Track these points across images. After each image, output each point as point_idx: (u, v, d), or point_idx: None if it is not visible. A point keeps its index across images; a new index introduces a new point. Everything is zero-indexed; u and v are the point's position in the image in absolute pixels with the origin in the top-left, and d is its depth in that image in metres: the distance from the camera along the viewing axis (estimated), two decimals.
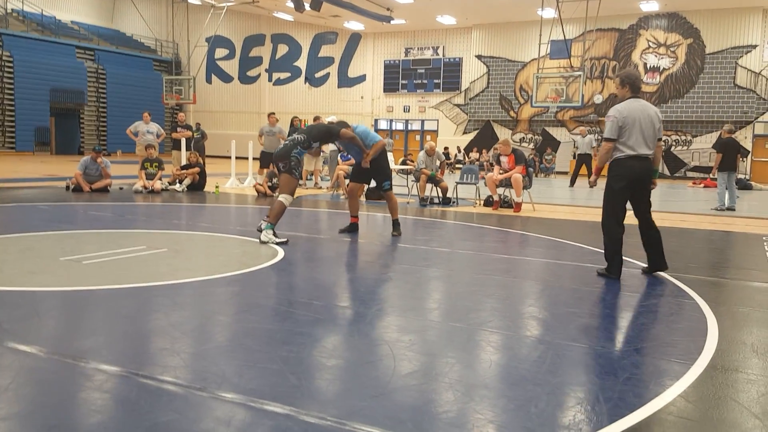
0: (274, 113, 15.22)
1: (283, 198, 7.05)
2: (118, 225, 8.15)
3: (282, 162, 7.13)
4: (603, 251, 5.74)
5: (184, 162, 14.51)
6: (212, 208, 10.73)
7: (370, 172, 7.88)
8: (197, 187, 13.38)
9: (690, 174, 24.41)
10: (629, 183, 5.53)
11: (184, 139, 15.68)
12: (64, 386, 2.91)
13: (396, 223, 7.87)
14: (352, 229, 7.93)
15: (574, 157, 20.48)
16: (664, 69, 25.39)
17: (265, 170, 14.78)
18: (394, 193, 8.05)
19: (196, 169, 13.45)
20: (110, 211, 9.59)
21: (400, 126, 31.55)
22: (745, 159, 23.41)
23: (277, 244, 6.77)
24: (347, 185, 8.36)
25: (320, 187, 15.06)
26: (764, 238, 8.56)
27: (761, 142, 24.39)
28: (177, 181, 13.40)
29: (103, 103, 31.87)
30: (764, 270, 6.30)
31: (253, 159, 15.71)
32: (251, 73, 34.54)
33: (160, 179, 12.98)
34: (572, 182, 18.73)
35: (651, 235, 5.68)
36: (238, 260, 6.05)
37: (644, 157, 5.49)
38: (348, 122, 7.87)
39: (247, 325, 3.94)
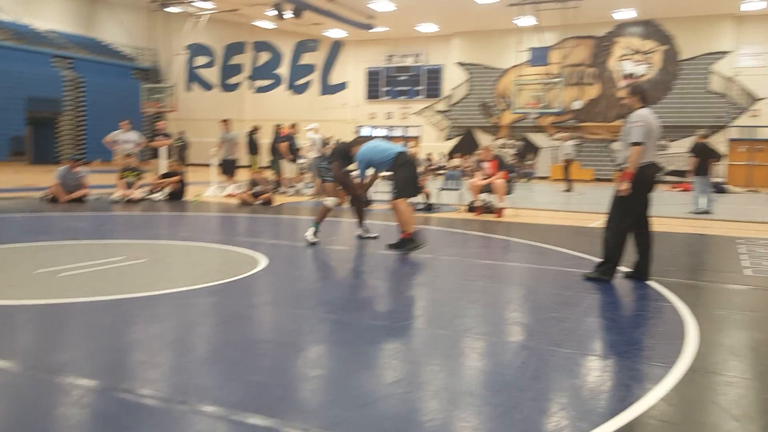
0: (227, 120, 15.15)
1: (328, 201, 7.73)
2: (96, 235, 8.04)
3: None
4: (585, 256, 5.77)
5: (163, 171, 14.39)
6: (192, 217, 10.64)
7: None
8: (177, 195, 13.27)
9: (668, 178, 24.69)
10: (645, 190, 5.70)
11: (163, 147, 15.55)
12: (40, 402, 2.85)
13: (402, 240, 7.00)
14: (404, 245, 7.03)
15: (561, 162, 20.66)
16: (640, 75, 25.71)
17: (232, 178, 14.69)
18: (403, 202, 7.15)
19: (176, 178, 13.34)
20: (88, 222, 9.46)
21: (382, 133, 31.59)
22: (718, 163, 23.77)
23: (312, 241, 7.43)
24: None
25: (302, 194, 15.02)
26: (739, 240, 8.68)
27: (736, 146, 24.79)
28: (156, 190, 13.27)
29: (81, 111, 31.49)
30: (740, 272, 6.38)
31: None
32: (232, 80, 34.38)
33: (139, 188, 12.84)
34: (569, 187, 19.08)
35: (645, 235, 5.75)
36: (219, 270, 6.00)
37: (655, 164, 5.72)
38: (363, 137, 7.78)
39: (229, 336, 3.90)
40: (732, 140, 24.72)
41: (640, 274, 5.80)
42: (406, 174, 7.16)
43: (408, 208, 7.13)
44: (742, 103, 24.35)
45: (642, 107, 5.70)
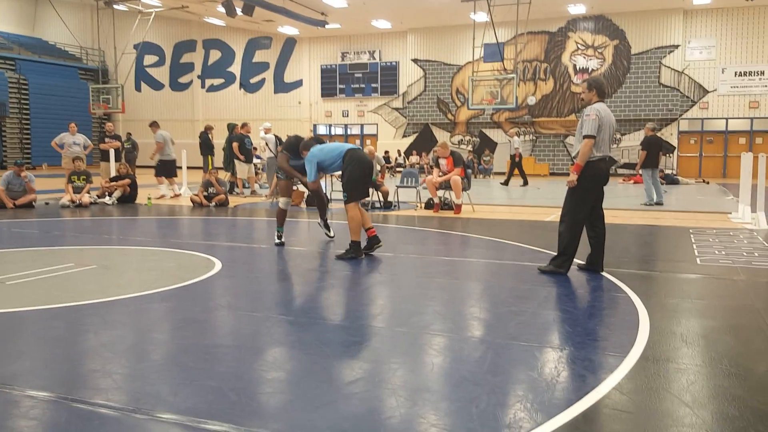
0: (154, 123, 14.85)
1: (280, 202, 7.72)
2: (44, 242, 7.80)
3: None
4: (541, 249, 5.84)
5: (113, 173, 14.04)
6: (144, 220, 10.41)
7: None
8: (128, 199, 12.96)
9: (620, 171, 25.28)
10: (599, 185, 5.77)
11: (112, 150, 15.17)
12: None
13: (352, 245, 6.74)
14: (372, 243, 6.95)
15: (510, 158, 20.97)
16: (592, 70, 26.24)
17: (170, 179, 14.40)
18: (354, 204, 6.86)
19: (127, 181, 13.03)
20: (36, 228, 9.17)
21: (339, 131, 31.49)
22: (670, 155, 24.48)
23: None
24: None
25: (258, 195, 14.85)
26: (691, 230, 8.93)
27: (686, 138, 25.54)
28: (106, 193, 12.95)
29: (26, 114, 30.52)
30: (691, 261, 6.57)
31: (188, 168, 15.36)
32: (183, 79, 33.78)
33: (88, 192, 12.51)
34: (525, 182, 19.57)
35: (599, 227, 5.85)
36: (173, 274, 5.88)
37: (608, 159, 5.78)
38: (320, 139, 7.40)
39: (183, 341, 3.82)
40: (682, 132, 25.45)
41: (593, 266, 5.91)
42: (354, 174, 6.78)
43: (356, 213, 6.76)
44: (692, 95, 25.09)
45: (599, 101, 5.78)
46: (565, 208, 5.85)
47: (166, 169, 14.33)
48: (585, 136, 5.61)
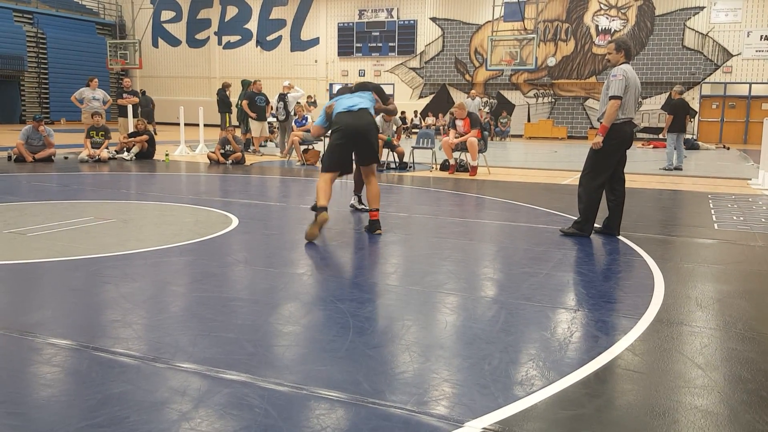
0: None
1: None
2: (64, 196, 7.89)
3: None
4: (557, 212, 5.82)
5: (131, 129, 14.08)
6: (162, 176, 10.48)
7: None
8: (146, 155, 13.03)
9: (640, 135, 24.93)
10: (622, 148, 5.73)
11: (130, 105, 15.19)
12: (11, 361, 2.82)
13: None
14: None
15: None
16: (615, 31, 25.66)
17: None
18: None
19: (145, 137, 13.08)
20: (55, 182, 9.27)
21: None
22: (693, 120, 24.06)
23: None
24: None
25: (261, 154, 14.81)
26: (710, 196, 8.84)
27: (708, 102, 25.04)
28: (125, 149, 13.02)
29: (44, 69, 30.53)
30: (709, 227, 6.52)
31: (198, 125, 15.37)
32: (200, 36, 33.52)
33: (106, 148, 12.58)
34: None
35: (618, 191, 5.81)
36: (191, 229, 5.94)
37: (632, 121, 5.73)
38: (349, 88, 6.27)
39: (201, 294, 3.89)
40: (704, 97, 24.95)
41: (610, 229, 5.89)
42: (332, 141, 5.79)
43: (321, 181, 5.66)
44: (716, 59, 24.51)
45: (625, 62, 5.68)
46: (585, 170, 5.80)
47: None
48: (612, 97, 5.53)
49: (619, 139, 5.64)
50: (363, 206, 7.01)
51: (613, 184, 5.83)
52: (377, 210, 5.89)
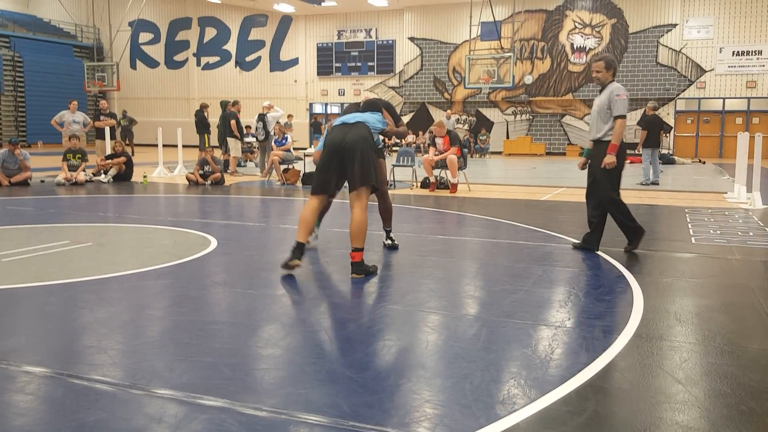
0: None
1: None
2: (40, 219, 7.77)
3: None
4: (537, 228, 5.83)
5: (108, 151, 13.95)
6: (140, 198, 10.38)
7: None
8: (124, 177, 12.91)
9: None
10: (624, 162, 5.91)
11: (108, 127, 15.08)
12: None
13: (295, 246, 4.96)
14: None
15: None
16: (590, 49, 26.07)
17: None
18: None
19: (122, 159, 12.96)
20: (31, 205, 9.13)
21: (335, 109, 31.29)
22: (668, 135, 24.43)
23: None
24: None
25: (241, 174, 14.82)
26: (686, 210, 8.95)
27: (683, 117, 25.47)
28: (102, 171, 12.89)
29: (21, 92, 30.22)
30: (686, 241, 6.58)
31: (184, 146, 15.29)
32: (178, 57, 33.45)
33: (83, 171, 12.44)
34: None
35: (601, 208, 5.89)
36: (168, 252, 5.87)
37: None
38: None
39: (179, 318, 3.83)
40: (679, 112, 25.38)
41: (589, 244, 5.93)
42: (321, 159, 5.08)
43: (305, 209, 5.04)
44: (690, 75, 24.98)
45: (612, 81, 5.79)
46: (606, 189, 5.81)
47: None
48: (619, 117, 5.66)
49: (624, 154, 5.80)
50: (390, 242, 6.10)
51: (598, 201, 5.89)
52: (358, 250, 4.84)
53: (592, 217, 5.93)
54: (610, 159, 5.68)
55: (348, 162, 4.85)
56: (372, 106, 5.54)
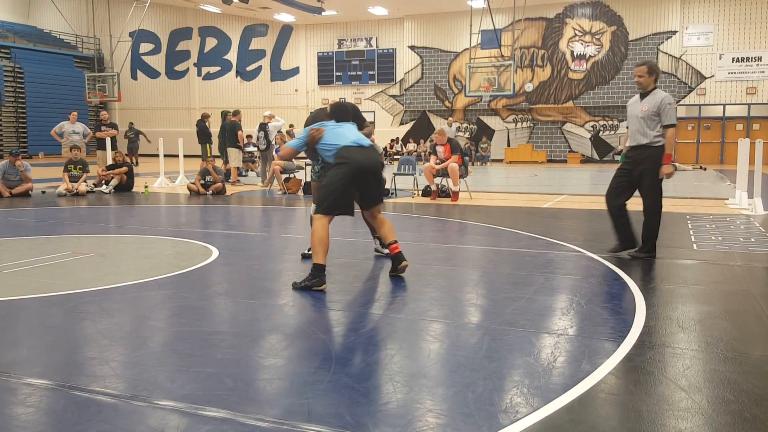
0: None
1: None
2: (41, 231, 7.78)
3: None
4: (538, 236, 5.83)
5: (110, 162, 13.98)
6: (141, 208, 10.39)
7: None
8: (125, 187, 12.92)
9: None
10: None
11: (109, 138, 15.12)
12: None
13: (314, 269, 4.83)
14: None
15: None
16: (590, 56, 26.13)
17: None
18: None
19: (124, 169, 12.98)
20: (32, 217, 9.14)
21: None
22: None
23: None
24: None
25: (243, 183, 14.86)
26: (688, 216, 8.94)
27: (684, 124, 25.48)
28: (103, 182, 12.91)
29: (21, 103, 30.32)
30: (688, 247, 6.57)
31: (185, 156, 15.32)
32: (179, 67, 33.56)
33: (84, 181, 12.46)
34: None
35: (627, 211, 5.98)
36: (170, 262, 5.87)
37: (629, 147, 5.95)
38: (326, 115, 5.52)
39: (180, 328, 3.82)
40: (680, 119, 25.39)
41: (630, 244, 5.98)
42: (333, 179, 4.92)
43: (319, 228, 4.81)
44: (690, 82, 25.02)
45: (655, 88, 5.77)
46: (653, 199, 5.83)
47: None
48: (668, 126, 5.62)
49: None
50: (383, 250, 6.06)
51: (622, 204, 5.96)
52: (396, 241, 5.20)
53: (619, 218, 5.95)
54: (668, 169, 5.68)
55: (372, 183, 5.22)
56: (342, 111, 5.50)
